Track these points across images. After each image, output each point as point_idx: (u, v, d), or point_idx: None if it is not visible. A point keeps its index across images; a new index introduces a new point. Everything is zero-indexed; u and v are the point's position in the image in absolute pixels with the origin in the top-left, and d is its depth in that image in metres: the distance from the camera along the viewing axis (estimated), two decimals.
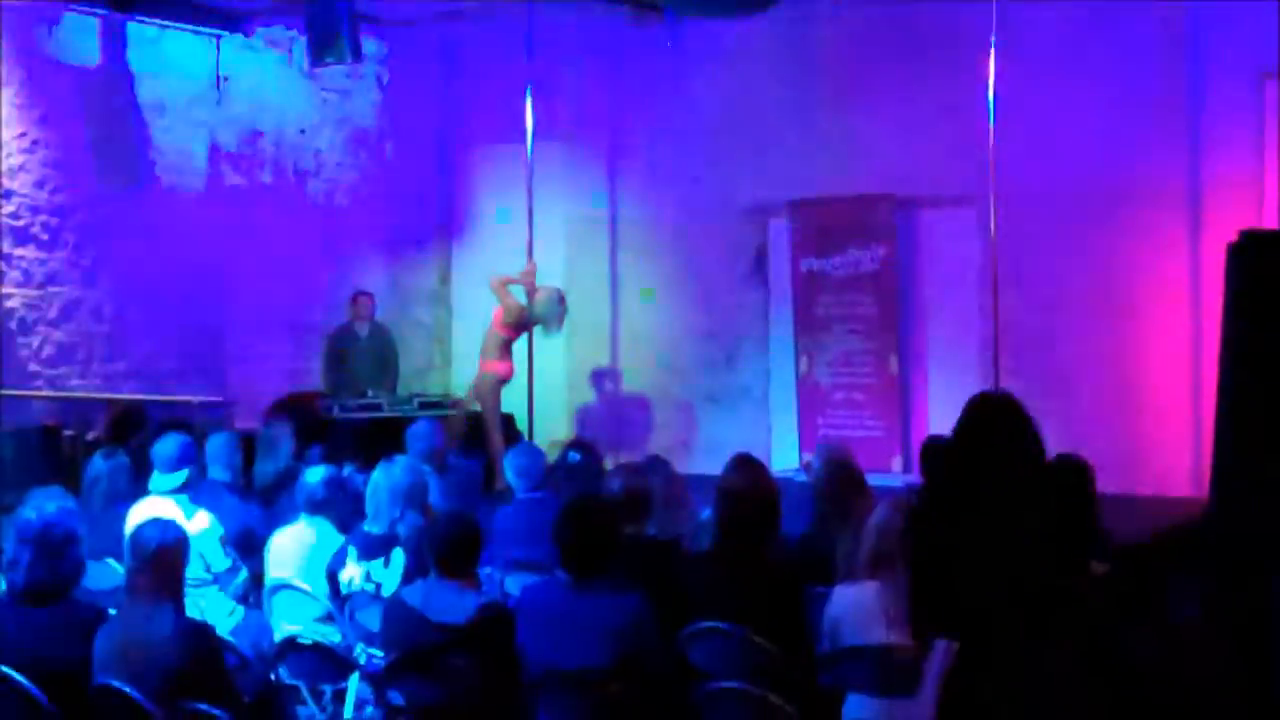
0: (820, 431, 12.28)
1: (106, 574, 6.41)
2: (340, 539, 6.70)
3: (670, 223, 13.52)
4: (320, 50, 11.83)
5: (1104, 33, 11.43)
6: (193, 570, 6.09)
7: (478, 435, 11.76)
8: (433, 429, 8.89)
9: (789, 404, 12.83)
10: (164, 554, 5.19)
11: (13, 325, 11.80)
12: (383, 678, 5.60)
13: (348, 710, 6.12)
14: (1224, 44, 11.06)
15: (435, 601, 5.47)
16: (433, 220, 14.78)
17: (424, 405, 11.94)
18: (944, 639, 4.61)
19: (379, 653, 5.86)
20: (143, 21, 12.64)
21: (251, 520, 7.52)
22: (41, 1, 11.92)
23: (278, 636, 6.46)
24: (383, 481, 6.66)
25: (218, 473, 7.87)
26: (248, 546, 7.16)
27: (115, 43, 12.58)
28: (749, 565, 5.82)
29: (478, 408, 12.03)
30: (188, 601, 5.56)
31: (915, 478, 8.85)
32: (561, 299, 11.94)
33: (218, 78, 13.36)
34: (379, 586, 6.34)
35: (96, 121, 12.41)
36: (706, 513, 6.77)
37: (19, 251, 11.88)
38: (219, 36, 13.31)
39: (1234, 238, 7.33)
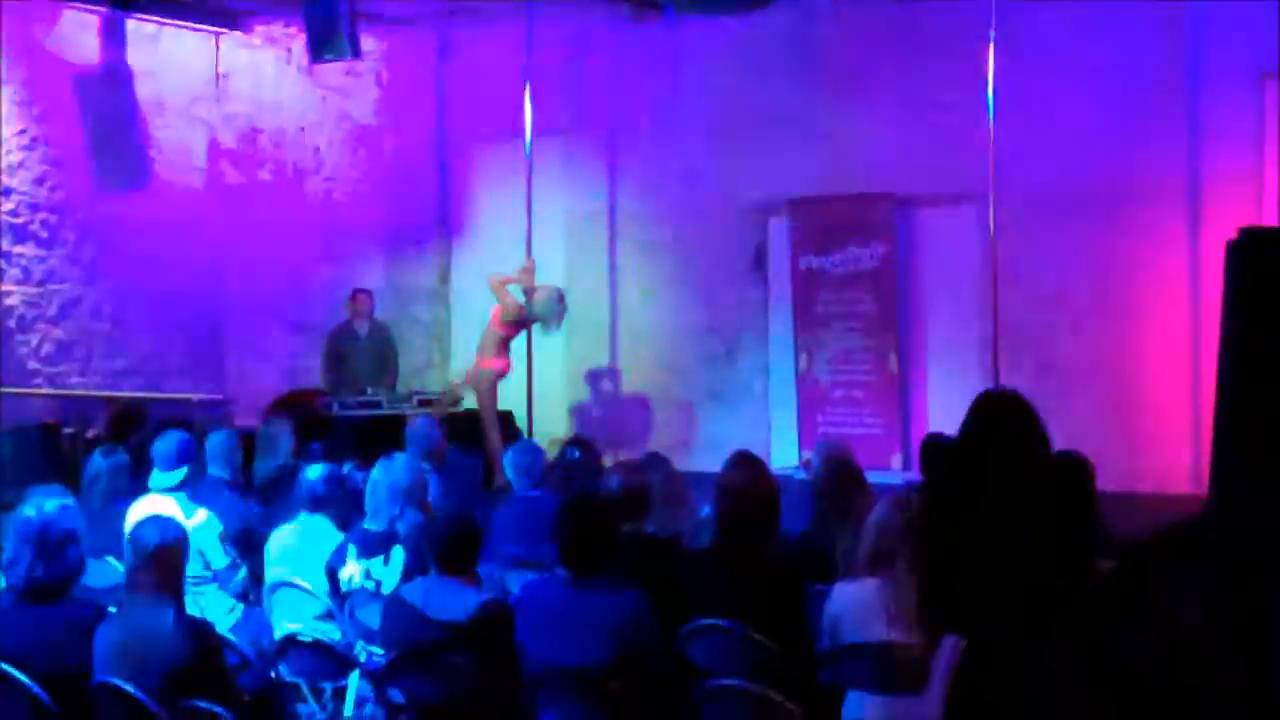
0: (820, 429, 12.27)
1: (106, 572, 6.41)
2: (340, 536, 6.70)
3: (670, 220, 13.52)
4: (319, 47, 11.84)
5: (1103, 31, 11.42)
6: (192, 568, 6.09)
7: (475, 432, 11.76)
8: (432, 426, 8.89)
9: (788, 401, 12.83)
10: (164, 552, 5.19)
11: (12, 323, 11.81)
12: (383, 675, 5.60)
13: (348, 708, 6.12)
14: (1223, 42, 11.05)
15: (435, 599, 5.48)
16: (432, 218, 14.79)
17: (423, 403, 11.95)
18: (952, 635, 4.62)
19: (379, 650, 5.86)
20: (142, 19, 12.64)
21: (251, 518, 7.53)
22: None
23: (278, 634, 6.45)
24: (382, 479, 6.66)
25: (217, 470, 7.88)
26: (247, 544, 7.16)
27: (114, 40, 12.59)
28: (749, 563, 5.82)
29: (463, 395, 12.08)
30: (188, 599, 5.56)
31: (915, 475, 8.84)
32: (561, 298, 11.93)
33: (217, 75, 13.36)
34: (379, 584, 6.34)
35: (96, 119, 12.42)
36: (706, 510, 6.77)
37: (18, 249, 11.89)
38: (218, 34, 13.31)
39: (1233, 235, 7.34)
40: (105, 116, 12.46)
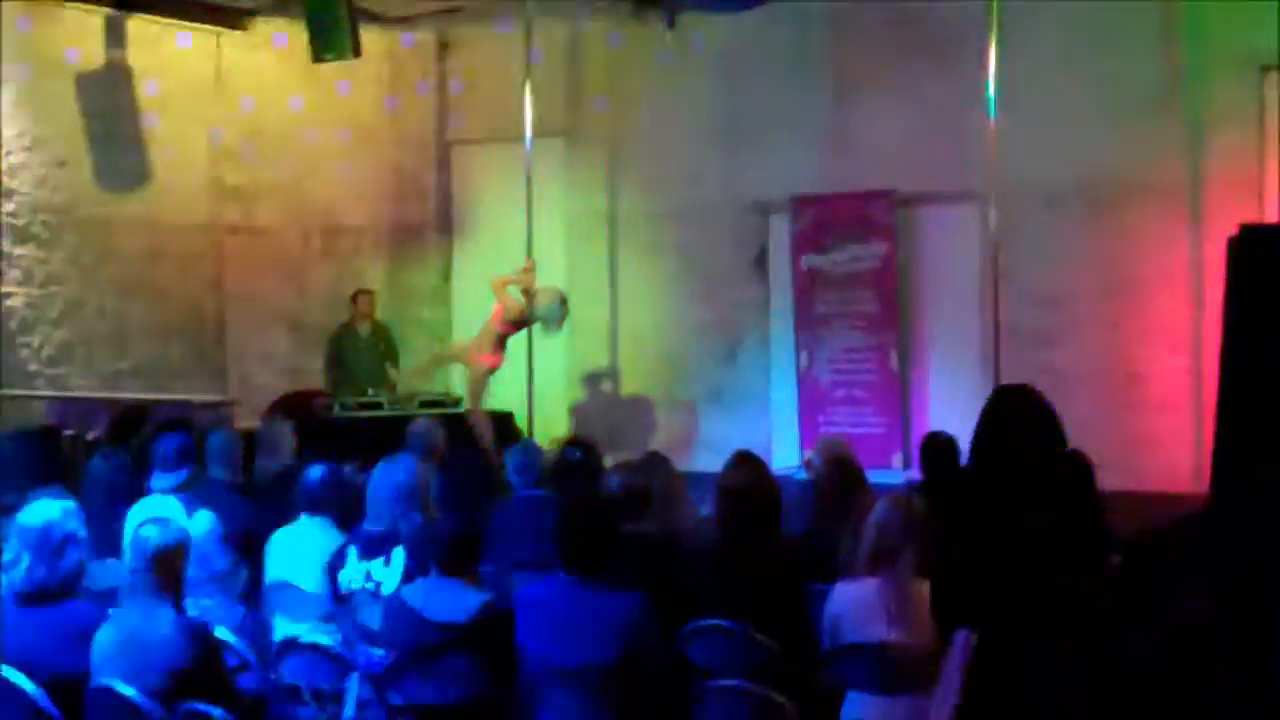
0: (821, 428, 12.27)
1: (107, 574, 6.40)
2: (340, 538, 6.69)
3: (670, 220, 13.51)
4: (320, 47, 11.85)
5: (1104, 28, 11.42)
6: (193, 570, 6.08)
7: (468, 430, 11.76)
8: (433, 427, 8.88)
9: (790, 401, 12.83)
10: (164, 554, 5.18)
11: (13, 325, 11.82)
12: (383, 677, 5.60)
13: (348, 710, 6.10)
14: (1224, 37, 11.05)
15: (436, 600, 5.47)
16: (433, 218, 14.79)
17: (424, 404, 11.94)
18: (964, 630, 4.63)
19: (379, 652, 5.86)
20: (143, 18, 12.65)
21: (252, 519, 7.50)
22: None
23: (278, 636, 6.44)
24: (383, 480, 6.64)
25: (218, 472, 7.86)
26: (248, 546, 7.14)
27: (116, 40, 12.59)
28: (750, 563, 5.83)
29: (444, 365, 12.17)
30: (187, 601, 5.56)
31: (916, 474, 8.83)
32: (563, 300, 11.94)
33: (218, 75, 13.36)
34: (379, 585, 6.33)
35: (97, 119, 12.44)
36: (707, 510, 6.76)
37: (19, 250, 11.90)
38: (219, 33, 13.32)
39: (1234, 232, 7.33)
40: (107, 116, 12.48)
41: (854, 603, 5.32)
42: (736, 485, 6.07)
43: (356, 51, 11.93)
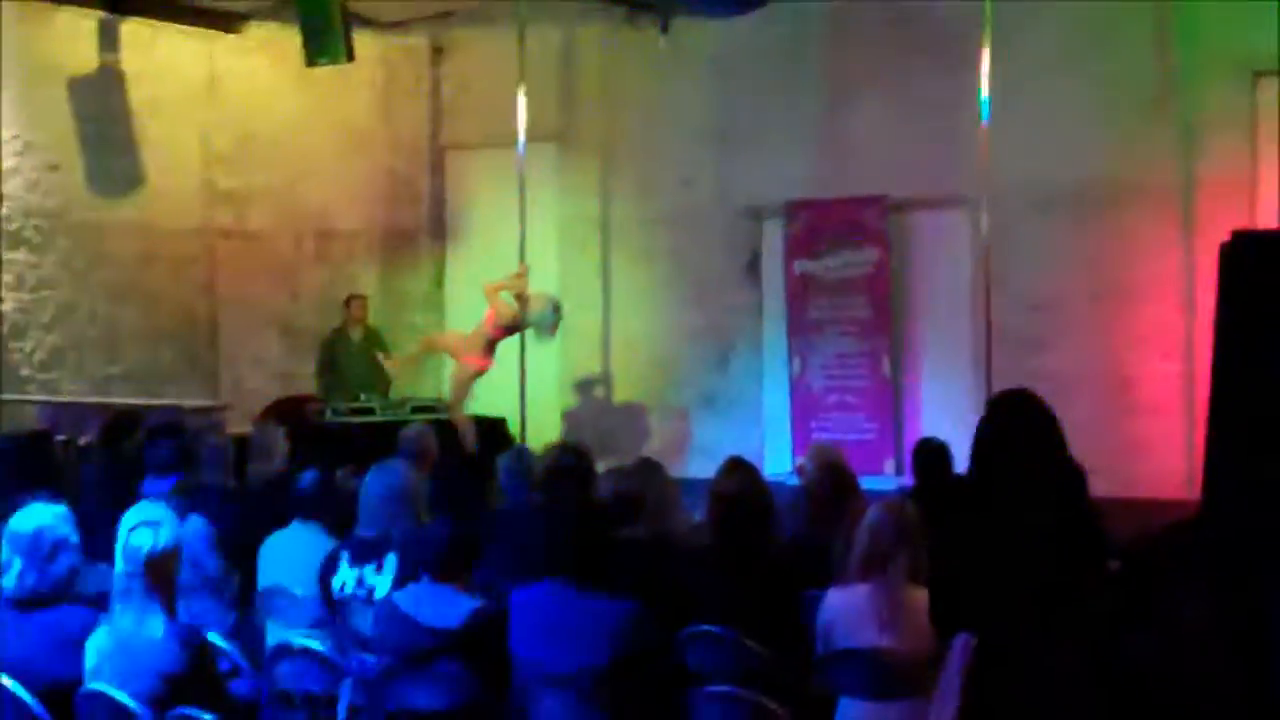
0: (813, 434, 12.28)
1: (99, 580, 6.39)
2: (333, 543, 6.69)
3: (663, 225, 13.52)
4: (314, 51, 11.84)
5: (1096, 33, 11.45)
6: (185, 575, 6.07)
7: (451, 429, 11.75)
8: (426, 432, 8.87)
9: (782, 407, 12.83)
10: (156, 559, 5.17)
11: (5, 329, 11.80)
12: (376, 683, 5.59)
13: (340, 716, 6.10)
14: (1216, 43, 11.06)
15: (428, 606, 5.47)
16: (426, 223, 14.78)
17: (417, 409, 11.94)
18: (964, 634, 4.64)
19: (372, 658, 5.85)
20: (136, 22, 12.64)
21: (244, 525, 7.49)
22: (36, 3, 11.92)
23: (270, 642, 6.44)
24: (375, 485, 6.63)
25: (210, 477, 7.85)
26: (240, 551, 7.14)
27: (109, 43, 12.58)
28: (742, 568, 5.83)
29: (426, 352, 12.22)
30: (179, 606, 5.54)
31: (908, 480, 8.84)
32: (556, 307, 11.94)
33: (211, 79, 13.35)
34: (371, 591, 6.32)
35: (89, 123, 12.42)
36: (699, 516, 6.76)
37: (11, 255, 11.89)
38: (212, 37, 13.31)
39: (1226, 238, 7.34)
40: (99, 120, 12.47)
41: (846, 608, 5.32)
42: (729, 491, 6.07)
43: (350, 56, 11.93)
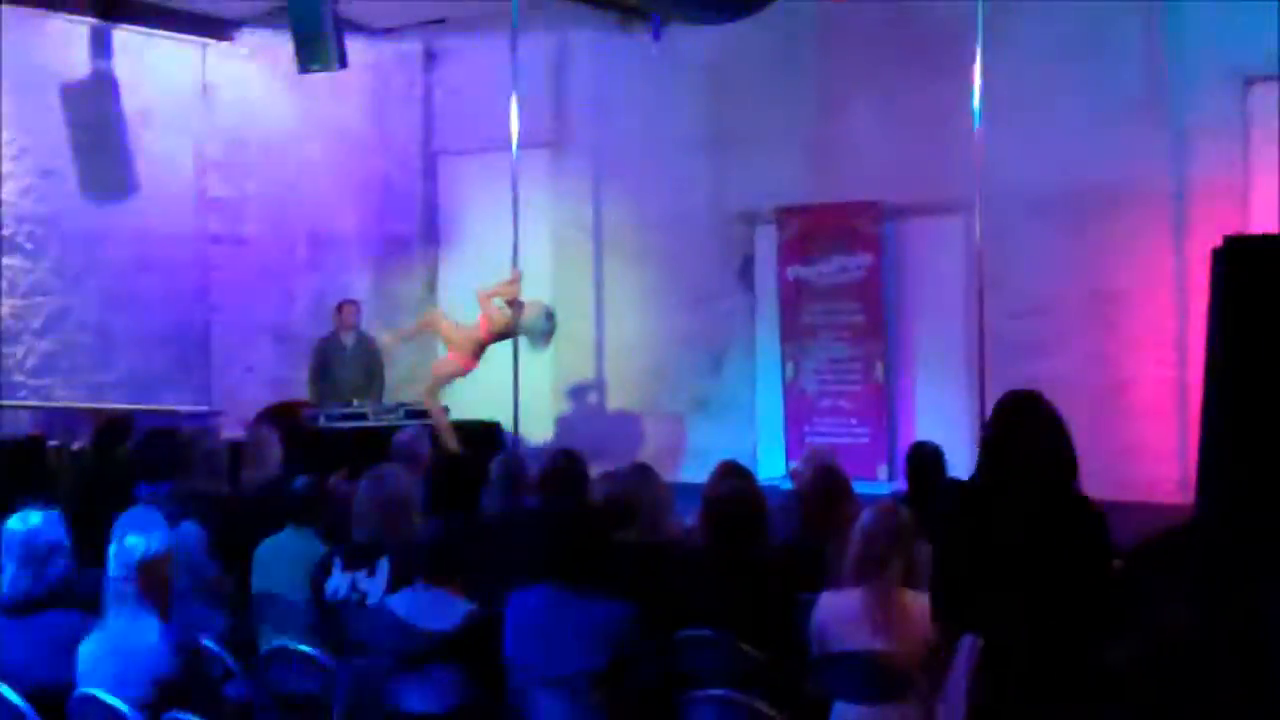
0: (806, 439, 12.29)
1: (92, 585, 6.38)
2: (326, 548, 6.68)
3: (656, 231, 13.53)
4: (306, 58, 11.82)
5: (1089, 38, 11.46)
6: (178, 580, 6.06)
7: (466, 443, 11.75)
8: (419, 437, 8.87)
9: (775, 411, 12.84)
10: (149, 564, 5.17)
11: None
12: (369, 687, 5.59)
13: None
14: (1209, 48, 11.08)
15: (421, 610, 5.47)
16: (418, 229, 14.80)
17: (410, 414, 11.93)
18: (970, 635, 4.65)
19: (365, 662, 5.84)
20: (129, 29, 12.63)
21: (237, 530, 7.49)
22: (28, 9, 11.91)
23: (263, 646, 6.43)
24: (368, 491, 6.64)
25: (203, 482, 7.85)
26: (233, 556, 7.13)
27: (101, 50, 12.58)
28: (736, 572, 5.82)
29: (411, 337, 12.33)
30: (173, 611, 5.54)
31: (901, 484, 8.84)
32: (549, 315, 11.94)
33: (204, 86, 13.35)
34: (364, 596, 6.32)
35: (82, 129, 12.42)
36: (693, 521, 6.76)
37: (4, 260, 11.87)
38: (205, 44, 13.30)
39: (1219, 243, 7.36)
40: (92, 127, 12.46)
41: (840, 612, 5.32)
42: (722, 495, 6.07)
43: (343, 62, 11.91)
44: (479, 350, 11.94)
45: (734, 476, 6.28)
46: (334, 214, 14.19)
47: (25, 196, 12.03)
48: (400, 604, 5.55)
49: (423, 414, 12.01)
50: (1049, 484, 4.72)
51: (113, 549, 5.32)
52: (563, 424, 13.82)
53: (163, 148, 13.03)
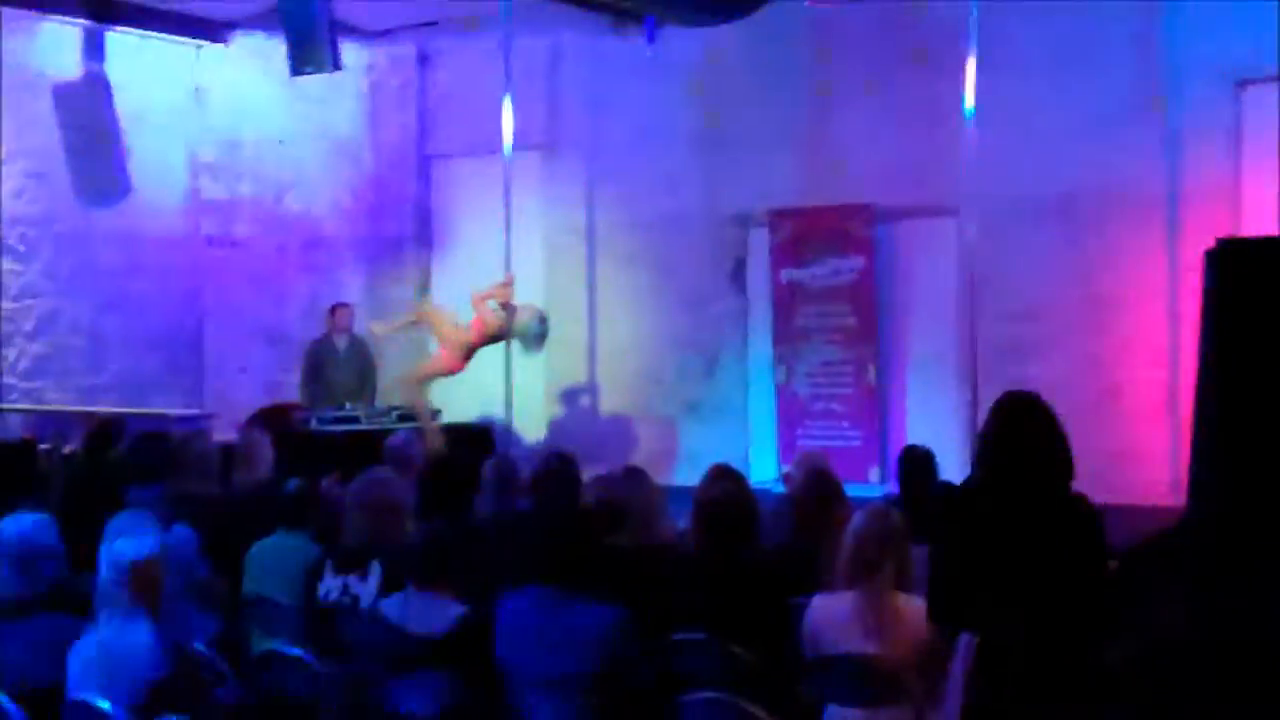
0: (799, 442, 12.29)
1: (83, 588, 6.37)
2: (317, 551, 6.68)
3: (649, 233, 13.52)
4: (300, 60, 11.83)
5: (1081, 41, 11.46)
6: (169, 583, 6.06)
7: (459, 446, 11.74)
8: (411, 441, 8.87)
9: (768, 414, 12.84)
10: (141, 567, 5.16)
11: None
12: (361, 691, 5.58)
13: None
14: (1201, 51, 11.09)
15: (413, 613, 5.47)
16: (411, 231, 14.78)
17: (402, 418, 11.92)
18: (967, 634, 4.65)
19: (357, 665, 5.84)
20: (121, 31, 12.63)
21: (229, 533, 7.48)
22: (20, 11, 11.90)
23: (255, 650, 6.42)
24: (360, 494, 6.64)
25: (195, 485, 7.84)
26: (225, 559, 7.13)
27: (94, 53, 12.58)
28: (728, 576, 5.82)
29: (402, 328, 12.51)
30: (164, 614, 5.53)
31: (893, 487, 8.84)
32: (542, 319, 11.94)
33: (196, 88, 13.34)
34: (356, 599, 6.31)
35: (75, 132, 12.42)
36: (685, 524, 6.76)
37: None
38: (198, 47, 13.30)
39: (1211, 245, 7.35)
40: (84, 129, 12.46)
41: (832, 615, 5.32)
42: (715, 498, 6.07)
43: (336, 65, 11.92)
44: (469, 353, 11.94)
45: (726, 479, 6.28)
46: (327, 216, 14.18)
47: (17, 199, 12.02)
48: (392, 607, 5.55)
49: (414, 418, 12.00)
50: (1046, 485, 4.73)
51: (104, 552, 5.31)
52: (555, 427, 13.81)
53: (155, 150, 13.03)
